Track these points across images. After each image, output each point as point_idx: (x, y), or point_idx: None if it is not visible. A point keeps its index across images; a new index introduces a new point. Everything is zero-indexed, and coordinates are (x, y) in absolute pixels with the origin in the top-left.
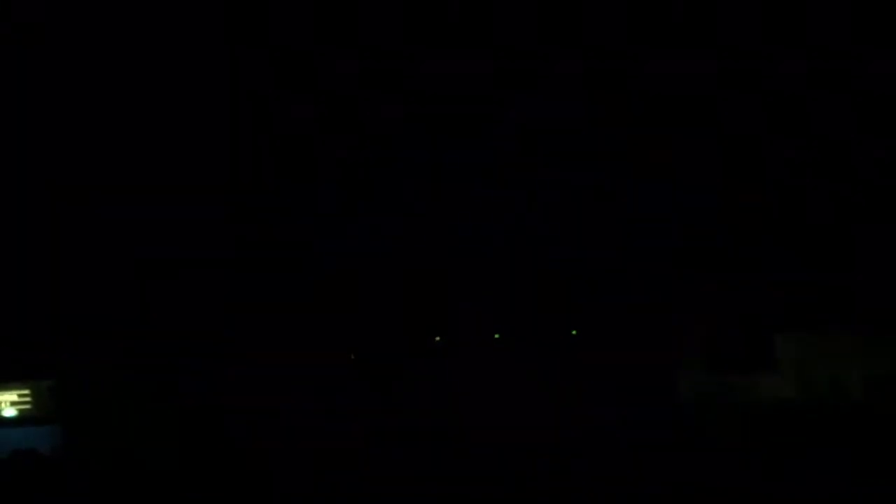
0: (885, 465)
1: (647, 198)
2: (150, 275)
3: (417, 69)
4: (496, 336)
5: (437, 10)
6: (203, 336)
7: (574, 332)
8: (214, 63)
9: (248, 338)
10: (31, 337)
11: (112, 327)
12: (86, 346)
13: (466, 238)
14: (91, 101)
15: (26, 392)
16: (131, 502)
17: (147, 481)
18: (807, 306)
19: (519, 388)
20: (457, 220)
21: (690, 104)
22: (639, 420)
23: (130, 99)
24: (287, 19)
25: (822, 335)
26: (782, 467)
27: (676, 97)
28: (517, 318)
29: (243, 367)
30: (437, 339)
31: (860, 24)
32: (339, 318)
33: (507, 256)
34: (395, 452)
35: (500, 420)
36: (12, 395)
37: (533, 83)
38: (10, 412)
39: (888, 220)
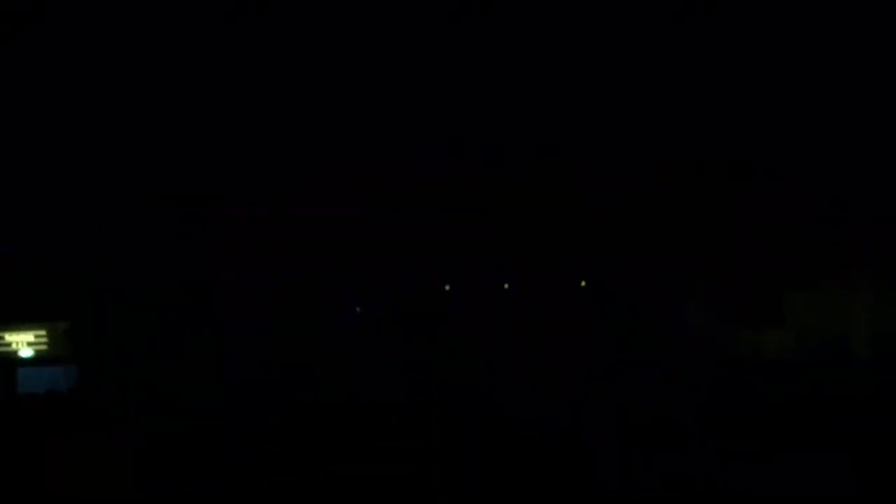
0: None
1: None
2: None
3: (416, 69)
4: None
5: (434, 9)
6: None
7: (583, 284)
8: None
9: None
10: (48, 279)
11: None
12: (102, 287)
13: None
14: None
15: (42, 333)
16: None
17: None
18: (816, 265)
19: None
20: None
21: (690, 104)
22: (645, 373)
23: (128, 98)
24: (286, 18)
25: (830, 293)
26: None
27: (676, 97)
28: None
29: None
30: (448, 287)
31: (860, 23)
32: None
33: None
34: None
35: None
36: (29, 336)
37: (532, 83)
38: (27, 352)
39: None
